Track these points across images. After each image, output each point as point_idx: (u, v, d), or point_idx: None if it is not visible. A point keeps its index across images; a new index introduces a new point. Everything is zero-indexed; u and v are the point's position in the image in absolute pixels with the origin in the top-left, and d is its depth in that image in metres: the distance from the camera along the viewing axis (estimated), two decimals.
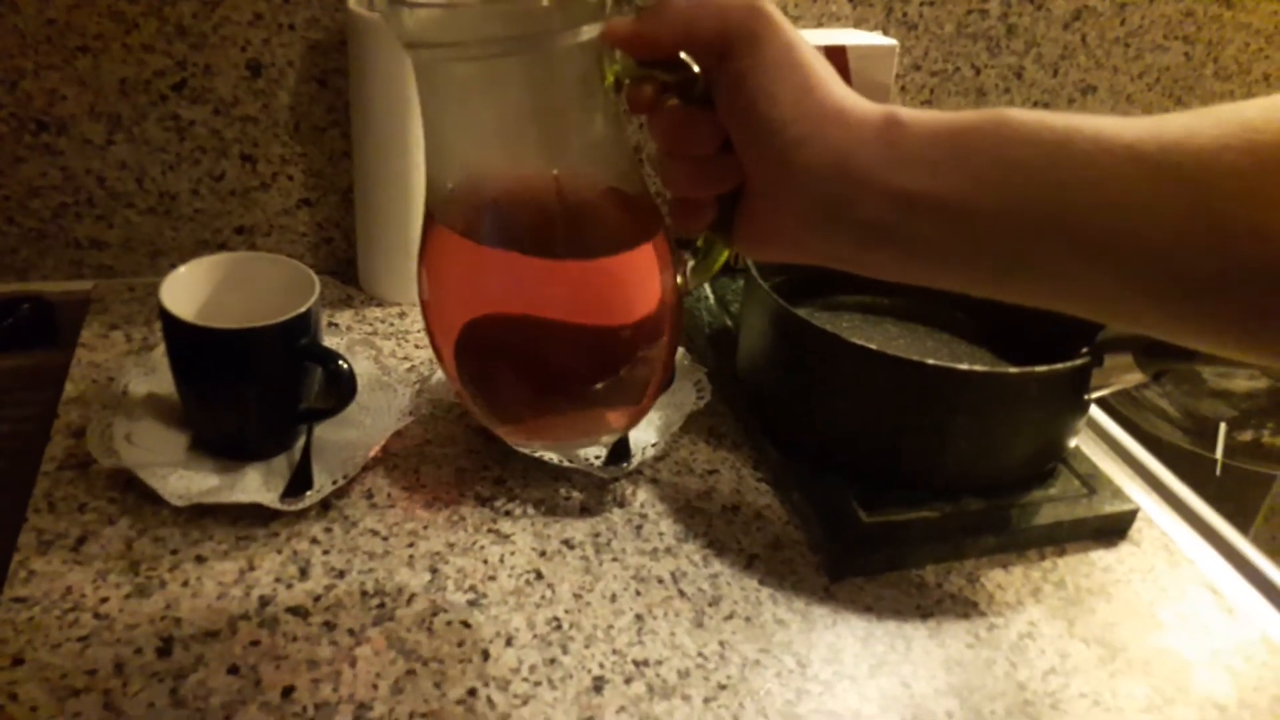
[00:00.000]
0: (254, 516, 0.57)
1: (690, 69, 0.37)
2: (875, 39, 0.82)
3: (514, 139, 0.40)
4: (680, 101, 0.38)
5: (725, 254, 0.42)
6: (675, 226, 0.41)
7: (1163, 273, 0.31)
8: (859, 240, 0.36)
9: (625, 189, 0.42)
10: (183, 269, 0.60)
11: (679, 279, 0.42)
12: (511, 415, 0.45)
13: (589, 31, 0.37)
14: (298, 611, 0.52)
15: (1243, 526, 0.68)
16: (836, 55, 0.78)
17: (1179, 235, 0.31)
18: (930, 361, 0.59)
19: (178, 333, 0.57)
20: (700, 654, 0.53)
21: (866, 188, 0.35)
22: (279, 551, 0.56)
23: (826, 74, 0.36)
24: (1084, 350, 0.61)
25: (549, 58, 0.37)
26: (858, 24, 0.87)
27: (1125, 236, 0.31)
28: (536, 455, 0.62)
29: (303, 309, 0.57)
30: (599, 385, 0.42)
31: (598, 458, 0.63)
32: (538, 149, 0.40)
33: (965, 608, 0.58)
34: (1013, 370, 0.61)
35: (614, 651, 0.52)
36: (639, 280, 0.41)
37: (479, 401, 0.45)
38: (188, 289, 0.59)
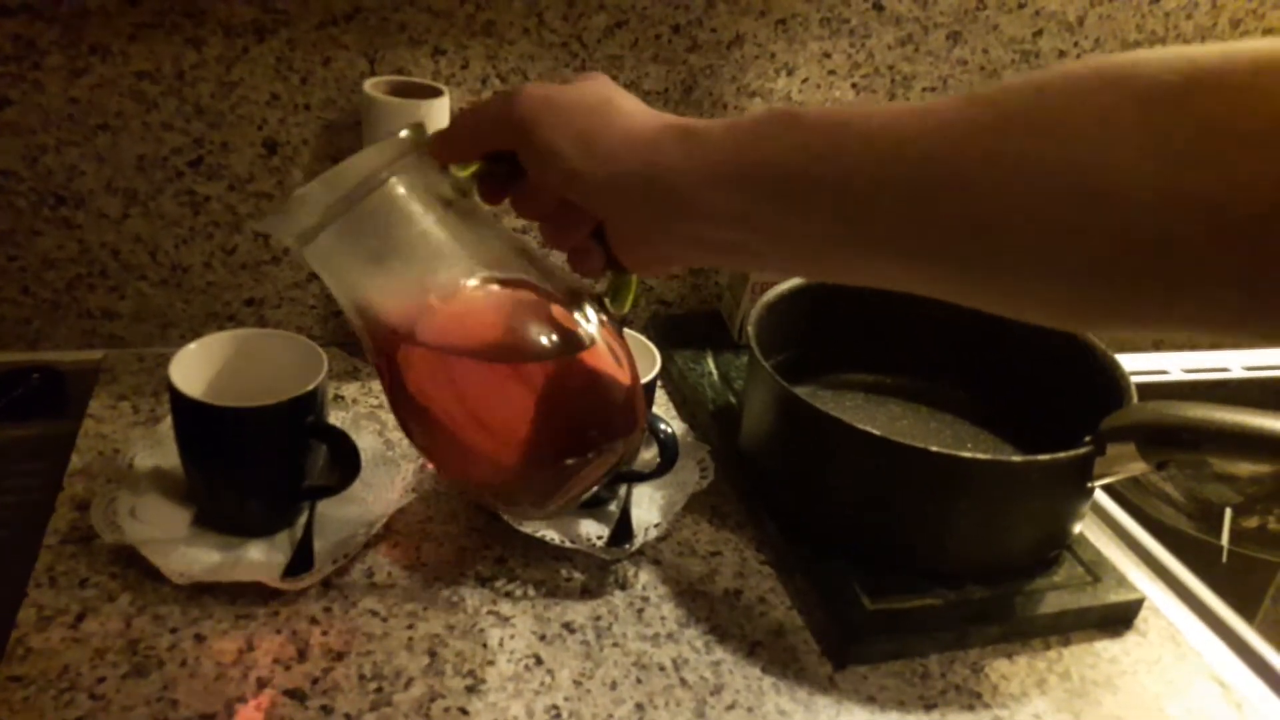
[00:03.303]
0: (255, 594, 0.57)
1: (508, 157, 0.42)
2: None
3: (417, 264, 0.44)
4: (520, 181, 0.43)
5: (630, 279, 0.46)
6: (577, 272, 0.45)
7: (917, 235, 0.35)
8: (697, 250, 0.41)
9: (524, 268, 0.45)
10: (192, 346, 0.60)
11: (603, 316, 0.45)
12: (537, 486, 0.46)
13: (409, 163, 0.42)
14: (295, 695, 0.52)
15: (1248, 612, 0.68)
16: None
17: (915, 200, 0.34)
18: (934, 448, 0.59)
19: (186, 411, 0.57)
20: None
21: (681, 207, 0.39)
22: (278, 631, 0.55)
23: (611, 118, 0.40)
24: (1087, 439, 0.61)
25: (387, 195, 0.41)
26: None
27: (897, 217, 0.35)
28: (539, 535, 0.62)
29: (310, 387, 0.58)
30: (591, 428, 0.45)
31: (600, 538, 0.63)
32: (439, 263, 0.44)
33: (969, 699, 0.57)
34: (1016, 458, 0.61)
35: None
36: (576, 329, 0.44)
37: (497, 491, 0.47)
38: (197, 365, 0.60)
